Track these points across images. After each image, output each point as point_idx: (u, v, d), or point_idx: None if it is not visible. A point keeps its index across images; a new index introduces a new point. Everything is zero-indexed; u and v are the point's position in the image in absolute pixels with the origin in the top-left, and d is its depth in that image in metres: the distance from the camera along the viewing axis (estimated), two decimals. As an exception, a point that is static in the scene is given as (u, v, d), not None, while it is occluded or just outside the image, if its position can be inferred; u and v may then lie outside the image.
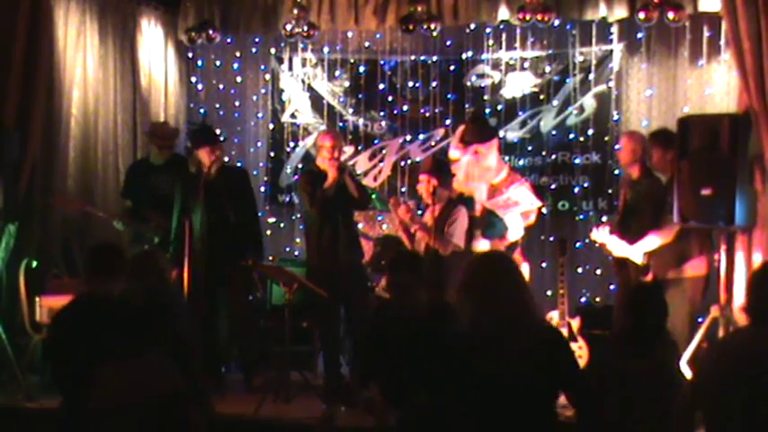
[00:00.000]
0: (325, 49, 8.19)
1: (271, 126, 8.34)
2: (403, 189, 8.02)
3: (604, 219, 7.21)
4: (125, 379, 3.71)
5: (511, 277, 3.60)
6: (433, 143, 8.07)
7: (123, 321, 3.94)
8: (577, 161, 7.70)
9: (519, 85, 7.87)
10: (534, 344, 3.43)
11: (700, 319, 5.74)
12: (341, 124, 8.22)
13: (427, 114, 8.07)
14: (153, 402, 3.65)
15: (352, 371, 6.44)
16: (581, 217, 7.65)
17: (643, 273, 5.86)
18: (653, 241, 5.74)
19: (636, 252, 5.81)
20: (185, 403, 3.77)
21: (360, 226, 7.25)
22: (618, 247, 5.89)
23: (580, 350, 6.29)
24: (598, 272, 7.39)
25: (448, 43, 8.01)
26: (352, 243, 6.44)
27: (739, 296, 5.53)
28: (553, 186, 7.74)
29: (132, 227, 6.70)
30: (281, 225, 8.36)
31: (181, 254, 6.07)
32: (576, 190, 7.70)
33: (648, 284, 5.36)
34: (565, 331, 6.35)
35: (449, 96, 8.01)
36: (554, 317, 6.40)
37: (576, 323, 6.39)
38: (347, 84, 8.23)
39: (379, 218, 7.97)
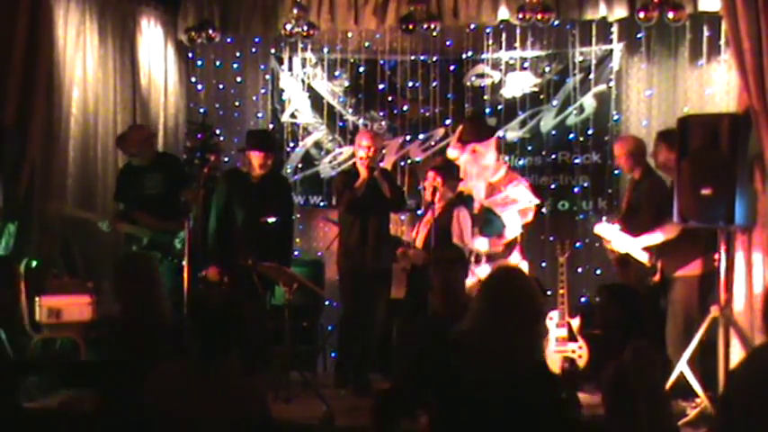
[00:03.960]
0: (325, 49, 8.19)
1: (270, 126, 8.32)
2: (402, 189, 7.99)
3: (604, 219, 7.19)
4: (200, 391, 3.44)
5: (517, 309, 3.17)
6: (432, 143, 8.07)
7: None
8: (577, 161, 7.70)
9: (519, 84, 7.87)
10: (529, 394, 3.11)
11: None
12: (341, 124, 8.23)
13: (427, 114, 8.07)
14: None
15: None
16: (581, 217, 7.66)
17: (650, 273, 5.87)
18: (656, 237, 5.76)
19: (638, 245, 5.82)
20: None
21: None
22: (623, 243, 5.90)
23: (580, 350, 6.30)
24: (598, 272, 7.38)
25: (448, 43, 8.01)
26: (382, 247, 6.35)
27: (739, 296, 5.53)
28: (553, 186, 7.74)
29: (119, 228, 6.65)
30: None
31: (221, 253, 6.20)
32: (576, 190, 7.70)
33: None
34: (565, 331, 6.37)
35: (449, 96, 8.00)
36: (554, 317, 6.41)
37: (575, 323, 6.39)
38: (347, 83, 8.23)
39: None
